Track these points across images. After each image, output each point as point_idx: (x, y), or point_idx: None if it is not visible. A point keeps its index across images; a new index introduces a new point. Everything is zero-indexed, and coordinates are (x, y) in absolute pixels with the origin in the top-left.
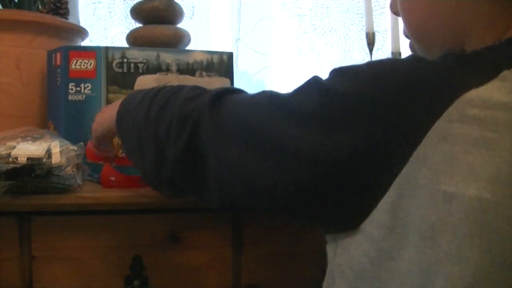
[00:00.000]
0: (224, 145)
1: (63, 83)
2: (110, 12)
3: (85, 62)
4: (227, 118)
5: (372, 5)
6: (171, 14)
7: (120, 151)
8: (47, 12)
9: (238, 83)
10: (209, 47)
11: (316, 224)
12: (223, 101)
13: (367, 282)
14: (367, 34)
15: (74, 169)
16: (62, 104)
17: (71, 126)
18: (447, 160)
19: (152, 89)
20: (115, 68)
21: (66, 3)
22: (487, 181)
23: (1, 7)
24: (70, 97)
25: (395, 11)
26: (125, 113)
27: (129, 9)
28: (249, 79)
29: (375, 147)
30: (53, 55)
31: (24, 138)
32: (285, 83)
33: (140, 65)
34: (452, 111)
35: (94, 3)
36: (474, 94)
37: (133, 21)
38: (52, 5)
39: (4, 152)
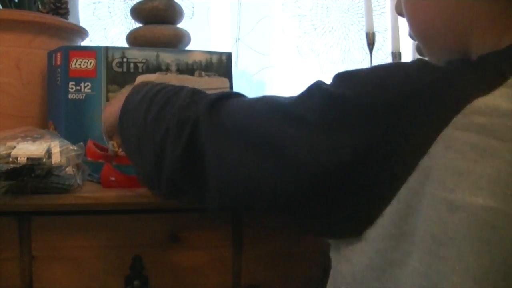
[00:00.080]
0: (224, 145)
1: (63, 82)
2: (110, 12)
3: (85, 62)
4: (227, 119)
5: (372, 5)
6: (171, 14)
7: (120, 150)
8: (47, 12)
9: (238, 83)
10: (209, 47)
11: (317, 229)
12: (223, 103)
13: None
14: (367, 34)
15: (74, 169)
16: (62, 104)
17: (71, 126)
18: (453, 169)
19: (153, 87)
20: (115, 68)
21: (66, 3)
22: (494, 190)
23: (1, 7)
24: (70, 96)
25: (399, 12)
26: (125, 113)
27: (129, 9)
28: (249, 79)
29: (374, 149)
30: (53, 55)
31: (24, 138)
32: (285, 83)
33: (140, 65)
34: (460, 119)
35: (94, 3)
36: (481, 102)
37: (133, 21)
38: (52, 5)
39: (4, 152)
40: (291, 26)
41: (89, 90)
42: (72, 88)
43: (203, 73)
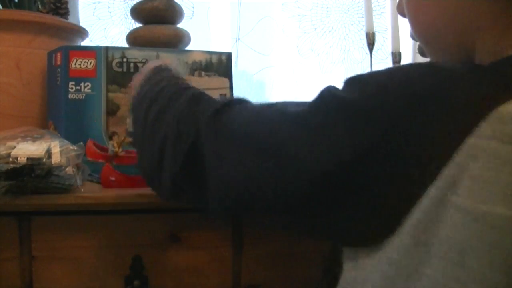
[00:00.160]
0: (224, 145)
1: (63, 82)
2: (110, 12)
3: (85, 62)
4: (229, 123)
5: (372, 5)
6: (171, 14)
7: (120, 149)
8: (47, 12)
9: (238, 83)
10: (209, 47)
11: (321, 232)
12: (227, 110)
13: None
14: (367, 34)
15: (74, 169)
16: (62, 104)
17: (71, 126)
18: (477, 178)
19: (159, 82)
20: (115, 68)
21: (66, 3)
22: None
23: (1, 7)
24: (70, 96)
25: (401, 12)
26: (134, 103)
27: (129, 9)
28: (249, 79)
29: (374, 150)
30: (53, 55)
31: (24, 138)
32: (285, 83)
33: (140, 65)
34: (484, 127)
35: (94, 3)
36: (505, 110)
37: (133, 21)
38: (52, 5)
39: (4, 152)
40: (291, 26)
41: (89, 90)
42: (72, 88)
43: (203, 73)
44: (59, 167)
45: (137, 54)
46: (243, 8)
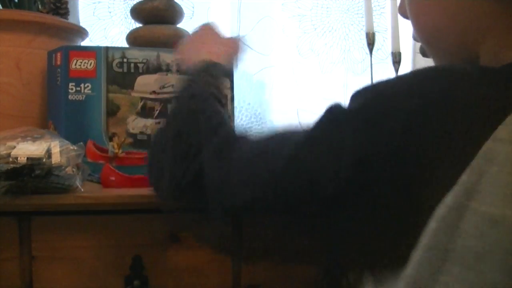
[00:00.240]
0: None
1: (63, 83)
2: (110, 12)
3: (85, 62)
4: (236, 154)
5: (372, 5)
6: (171, 14)
7: (120, 151)
8: (47, 12)
9: (238, 83)
10: None
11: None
12: (230, 149)
13: None
14: (367, 34)
15: (74, 169)
16: (62, 104)
17: (71, 126)
18: (494, 182)
19: (200, 95)
20: (115, 68)
21: (66, 3)
22: None
23: (1, 7)
24: (70, 97)
25: (403, 13)
26: (174, 102)
27: (129, 9)
28: (249, 79)
29: (382, 159)
30: (53, 55)
31: (24, 138)
32: (285, 83)
33: (140, 65)
34: (500, 131)
35: (94, 3)
36: None
37: (133, 21)
38: (52, 5)
39: (4, 152)
40: (291, 26)
41: (89, 91)
42: (72, 89)
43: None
44: (59, 167)
45: (137, 54)
46: (243, 8)
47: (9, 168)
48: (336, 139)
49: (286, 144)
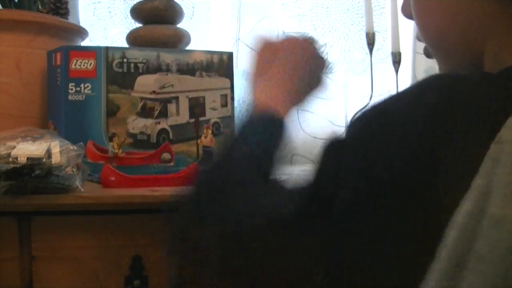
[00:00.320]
0: None
1: (63, 83)
2: (110, 12)
3: (85, 62)
4: None
5: (372, 5)
6: (171, 14)
7: (120, 151)
8: (47, 12)
9: (238, 83)
10: (209, 47)
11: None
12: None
13: None
14: (367, 34)
15: (74, 169)
16: (62, 104)
17: (71, 126)
18: (500, 183)
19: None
20: (115, 68)
21: (66, 3)
22: None
23: (1, 7)
24: (70, 97)
25: (407, 14)
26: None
27: (129, 9)
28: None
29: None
30: (53, 55)
31: (24, 138)
32: None
33: (140, 65)
34: (504, 131)
35: (94, 3)
36: None
37: (133, 21)
38: (52, 5)
39: (4, 152)
40: (291, 26)
41: (89, 91)
42: (72, 89)
43: (203, 73)
44: (59, 167)
45: (137, 54)
46: (243, 8)
47: (9, 168)
48: (340, 164)
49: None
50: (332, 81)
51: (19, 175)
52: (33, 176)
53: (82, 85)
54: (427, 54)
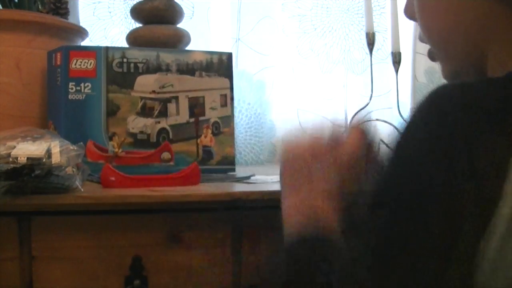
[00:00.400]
0: None
1: (63, 83)
2: (110, 12)
3: (85, 62)
4: None
5: (372, 5)
6: (171, 14)
7: (120, 150)
8: (47, 12)
9: (238, 83)
10: (209, 47)
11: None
12: None
13: None
14: (367, 34)
15: (74, 169)
16: (62, 104)
17: (71, 126)
18: None
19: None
20: (115, 68)
21: (66, 3)
22: None
23: (1, 7)
24: (70, 97)
25: (410, 15)
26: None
27: (129, 9)
28: (249, 79)
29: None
30: (53, 55)
31: (24, 138)
32: (285, 83)
33: (140, 65)
34: None
35: (94, 3)
36: None
37: (133, 21)
38: (52, 5)
39: (4, 152)
40: (291, 26)
41: (89, 91)
42: (72, 88)
43: (203, 73)
44: (59, 167)
45: (137, 54)
46: (243, 8)
47: (9, 168)
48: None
49: None
50: (332, 81)
51: (19, 175)
52: (33, 176)
53: (82, 85)
54: (431, 57)
